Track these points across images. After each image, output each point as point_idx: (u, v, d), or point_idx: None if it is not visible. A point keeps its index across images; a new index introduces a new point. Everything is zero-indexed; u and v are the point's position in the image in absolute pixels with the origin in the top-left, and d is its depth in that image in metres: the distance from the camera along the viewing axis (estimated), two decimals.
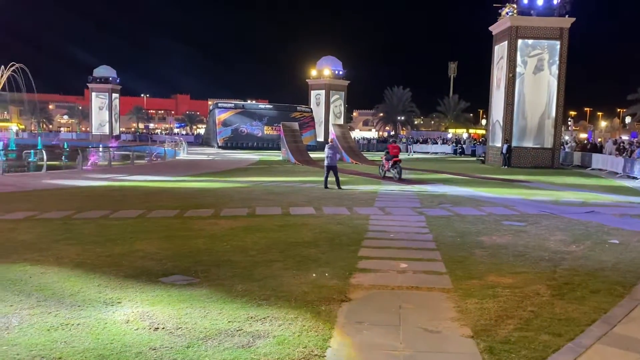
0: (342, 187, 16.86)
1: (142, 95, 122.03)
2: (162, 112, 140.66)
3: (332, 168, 17.08)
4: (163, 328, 4.83)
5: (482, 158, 36.96)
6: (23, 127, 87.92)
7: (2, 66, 43.65)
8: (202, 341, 4.57)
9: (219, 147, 51.60)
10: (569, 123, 52.63)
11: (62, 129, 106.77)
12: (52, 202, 13.02)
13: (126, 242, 8.35)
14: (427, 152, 52.11)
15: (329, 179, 17.04)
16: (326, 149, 17.62)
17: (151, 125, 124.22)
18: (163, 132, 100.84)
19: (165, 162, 31.21)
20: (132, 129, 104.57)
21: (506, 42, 31.48)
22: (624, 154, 28.55)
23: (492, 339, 4.75)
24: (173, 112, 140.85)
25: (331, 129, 39.47)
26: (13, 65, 43.98)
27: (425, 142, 58.43)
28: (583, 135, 70.86)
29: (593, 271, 7.15)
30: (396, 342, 4.68)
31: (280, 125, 37.00)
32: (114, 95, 70.09)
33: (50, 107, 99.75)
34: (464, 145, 52.76)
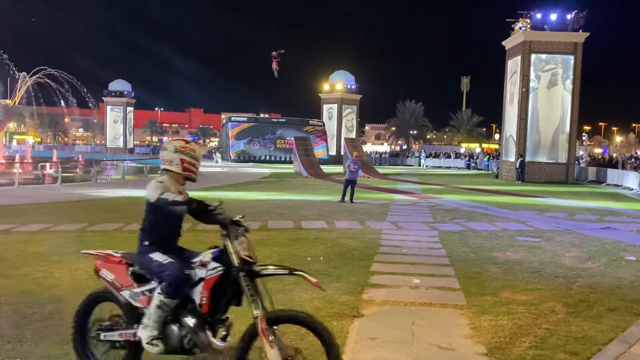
0: (355, 201, 16.87)
1: (156, 109, 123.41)
2: (176, 125, 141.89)
3: (351, 182, 17.14)
4: None
5: (496, 173, 36.78)
6: (39, 139, 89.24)
7: (25, 73, 43.79)
8: (214, 357, 4.54)
9: (232, 160, 51.88)
10: (584, 138, 52.28)
11: (77, 141, 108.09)
12: (66, 214, 13.13)
13: None
14: (440, 167, 51.95)
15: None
16: (350, 163, 17.75)
17: (165, 139, 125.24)
18: None
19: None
20: (146, 142, 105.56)
21: (519, 57, 31.42)
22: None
23: (506, 357, 4.68)
24: (186, 125, 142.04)
25: (343, 142, 39.56)
26: (43, 69, 43.84)
27: (437, 156, 58.30)
28: (598, 150, 70.30)
29: (609, 288, 7.03)
30: (409, 359, 4.63)
31: (293, 139, 37.15)
32: (129, 108, 70.97)
33: (66, 120, 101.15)
34: (477, 160, 52.53)
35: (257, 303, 3.57)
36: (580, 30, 30.62)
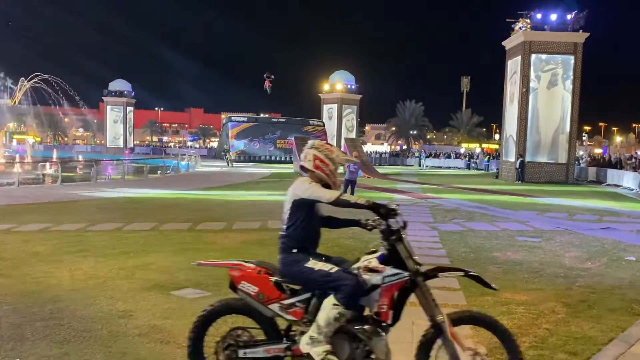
0: None
1: (156, 108, 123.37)
2: (176, 125, 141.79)
3: (351, 182, 17.15)
4: (174, 342, 4.81)
5: (496, 173, 36.77)
6: (39, 139, 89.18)
7: (23, 78, 44.15)
8: (214, 356, 4.55)
9: (233, 161, 51.91)
10: (584, 138, 52.29)
11: (77, 141, 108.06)
12: (66, 214, 13.14)
13: (139, 255, 8.38)
14: (440, 167, 51.94)
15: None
16: (350, 164, 17.72)
17: (165, 139, 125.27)
18: (177, 145, 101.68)
19: (178, 175, 31.42)
20: (146, 142, 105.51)
21: (519, 57, 31.43)
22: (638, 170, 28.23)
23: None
24: (187, 125, 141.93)
25: (343, 142, 39.51)
26: (37, 75, 44.30)
27: (437, 156, 58.30)
28: (598, 151, 70.30)
29: (609, 289, 7.04)
30: None
31: (293, 139, 37.14)
32: (129, 108, 70.80)
33: (66, 120, 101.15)
34: (477, 160, 52.53)
35: (438, 307, 3.53)
36: (581, 31, 30.62)
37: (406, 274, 3.49)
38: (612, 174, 29.35)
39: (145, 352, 4.58)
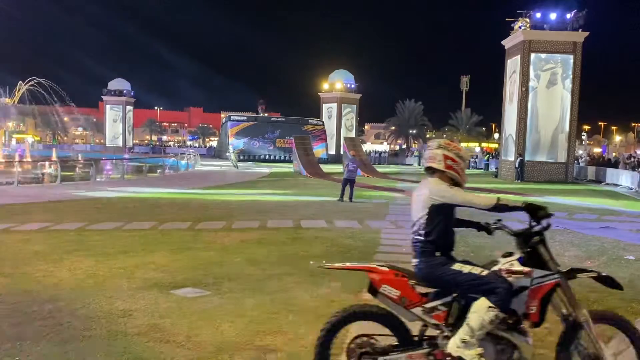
0: (354, 200, 16.87)
1: (155, 107, 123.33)
2: (175, 124, 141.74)
3: (350, 181, 17.12)
4: (174, 341, 4.82)
5: (495, 172, 36.77)
6: (38, 138, 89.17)
7: (21, 81, 44.49)
8: (213, 354, 4.55)
9: (232, 159, 51.89)
10: (583, 137, 52.29)
11: (76, 140, 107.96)
12: (65, 213, 13.13)
13: (138, 254, 8.38)
14: None
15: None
16: (349, 163, 17.74)
17: (164, 138, 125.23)
18: (176, 144, 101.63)
19: (178, 174, 31.41)
20: (146, 142, 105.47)
21: (519, 56, 31.43)
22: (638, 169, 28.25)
23: None
24: (186, 124, 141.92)
25: (342, 142, 39.50)
26: (32, 79, 44.82)
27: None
28: (597, 150, 70.32)
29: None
30: None
31: (292, 138, 37.15)
32: (128, 107, 70.79)
33: (65, 119, 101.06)
34: (476, 159, 52.55)
35: (580, 306, 3.64)
36: (580, 30, 30.63)
37: (556, 275, 3.56)
38: (612, 173, 29.37)
39: (145, 351, 4.59)
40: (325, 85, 59.34)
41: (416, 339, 3.65)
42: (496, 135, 68.89)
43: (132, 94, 71.47)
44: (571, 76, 30.87)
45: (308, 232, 10.94)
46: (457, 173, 3.70)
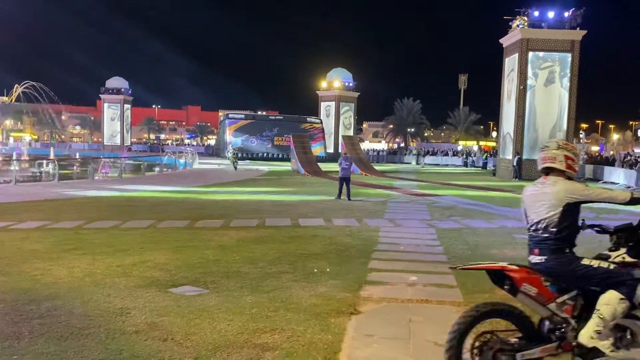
0: (352, 198, 16.88)
1: (153, 106, 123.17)
2: (173, 123, 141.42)
3: (345, 180, 17.10)
4: (172, 339, 4.83)
5: (493, 170, 36.82)
6: (36, 137, 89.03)
7: (17, 85, 44.85)
8: (211, 352, 4.56)
9: (230, 158, 51.91)
10: (581, 136, 52.35)
11: (74, 139, 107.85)
12: (63, 212, 13.12)
13: (136, 253, 8.38)
14: (438, 164, 52.00)
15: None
16: (342, 161, 17.62)
17: (162, 136, 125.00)
18: (174, 142, 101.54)
19: (176, 173, 31.40)
20: (144, 140, 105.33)
21: (517, 55, 31.46)
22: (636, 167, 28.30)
23: None
24: (184, 123, 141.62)
25: (340, 140, 39.49)
26: (27, 82, 45.15)
27: (435, 154, 58.36)
28: (595, 148, 70.42)
29: None
30: (406, 356, 4.65)
31: (290, 137, 37.14)
32: (126, 106, 70.62)
33: (63, 117, 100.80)
34: (474, 158, 52.62)
35: None
36: (578, 28, 30.65)
37: None
38: (609, 171, 29.42)
39: (143, 349, 4.59)
40: (323, 84, 59.35)
41: (541, 332, 3.86)
42: (494, 134, 68.97)
43: (129, 92, 71.28)
44: (569, 74, 30.89)
45: (306, 230, 10.95)
46: (574, 171, 3.91)
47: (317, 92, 60.08)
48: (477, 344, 3.75)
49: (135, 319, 5.32)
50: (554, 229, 3.79)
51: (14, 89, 43.53)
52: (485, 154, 53.58)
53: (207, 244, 9.19)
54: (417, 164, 50.78)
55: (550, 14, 30.83)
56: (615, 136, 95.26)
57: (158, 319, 5.34)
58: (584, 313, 3.76)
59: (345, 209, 14.61)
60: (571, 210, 3.80)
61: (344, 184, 17.03)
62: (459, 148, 71.52)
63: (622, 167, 30.31)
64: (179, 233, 10.32)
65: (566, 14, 30.74)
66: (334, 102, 57.91)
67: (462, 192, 21.42)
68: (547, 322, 3.85)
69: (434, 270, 7.64)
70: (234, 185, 22.81)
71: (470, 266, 4.04)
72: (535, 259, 3.88)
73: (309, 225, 11.54)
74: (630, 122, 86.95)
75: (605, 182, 28.43)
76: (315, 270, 7.54)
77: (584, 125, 75.69)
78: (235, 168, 35.05)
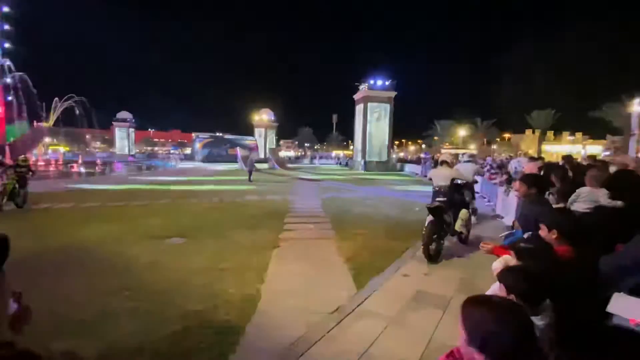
0: (265, 181, 16.62)
1: (149, 129, 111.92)
2: (162, 140, 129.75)
3: (250, 171, 18.11)
4: (168, 268, 4.58)
5: (352, 166, 38.02)
6: (68, 149, 77.40)
7: (57, 98, 36.57)
8: (191, 275, 4.39)
9: (200, 161, 48.98)
10: (395, 147, 55.57)
11: (97, 150, 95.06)
12: (88, 197, 11.67)
13: (141, 219, 7.72)
14: (323, 164, 52.88)
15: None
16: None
17: (156, 148, 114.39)
18: (163, 152, 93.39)
19: (165, 170, 29.02)
20: (143, 151, 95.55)
21: (362, 104, 32.77)
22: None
23: (354, 262, 4.98)
24: (170, 140, 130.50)
25: (268, 151, 38.19)
26: (71, 97, 36.81)
27: (322, 157, 59.31)
28: (402, 154, 74.92)
29: (407, 224, 7.61)
30: (306, 269, 4.78)
31: (237, 148, 35.75)
32: (131, 130, 63.63)
33: (87, 136, 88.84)
34: (342, 160, 54.17)
35: None
36: (393, 90, 32.60)
37: None
38: (408, 166, 31.57)
39: (151, 275, 4.31)
40: (256, 117, 57.68)
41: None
42: (351, 147, 71.39)
43: (133, 121, 64.34)
44: (389, 115, 32.80)
45: (247, 202, 10.67)
46: (452, 165, 5.79)
47: (252, 122, 58.29)
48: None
49: (144, 259, 4.96)
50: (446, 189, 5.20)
51: (53, 107, 36.11)
52: (347, 159, 55.28)
53: (186, 213, 8.68)
54: (312, 164, 51.20)
55: (379, 82, 32.44)
56: (412, 148, 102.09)
57: (158, 258, 5.01)
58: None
59: (268, 190, 14.35)
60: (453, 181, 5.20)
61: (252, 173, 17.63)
62: (333, 154, 73.28)
63: (418, 164, 32.55)
64: (167, 206, 9.62)
65: (387, 83, 32.54)
66: (263, 129, 56.58)
67: (336, 177, 21.86)
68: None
69: (321, 221, 7.82)
70: (201, 177, 21.48)
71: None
72: (436, 203, 5.11)
73: (248, 200, 11.24)
74: (418, 141, 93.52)
75: (406, 172, 30.33)
76: (253, 223, 7.47)
77: (396, 142, 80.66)
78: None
